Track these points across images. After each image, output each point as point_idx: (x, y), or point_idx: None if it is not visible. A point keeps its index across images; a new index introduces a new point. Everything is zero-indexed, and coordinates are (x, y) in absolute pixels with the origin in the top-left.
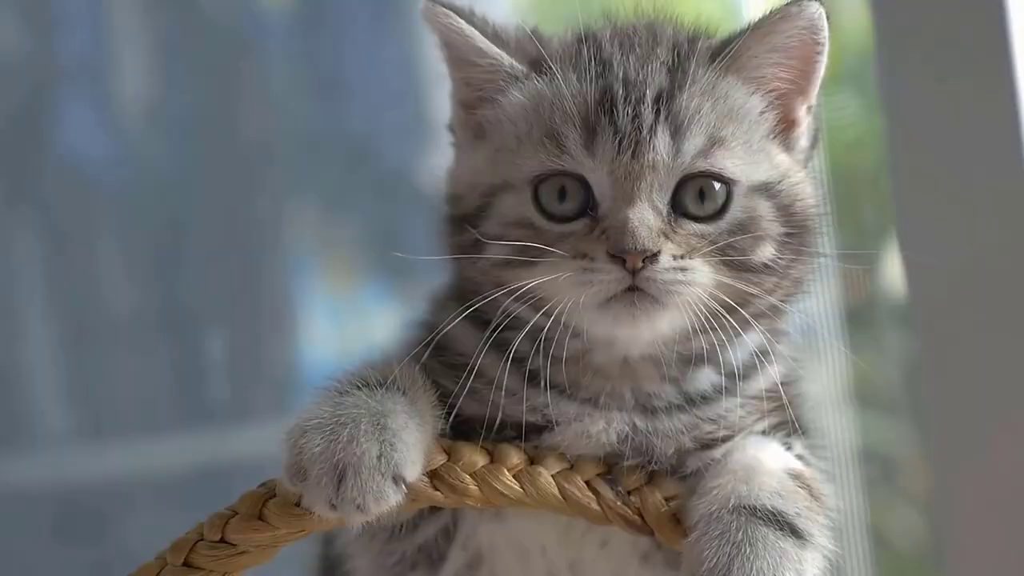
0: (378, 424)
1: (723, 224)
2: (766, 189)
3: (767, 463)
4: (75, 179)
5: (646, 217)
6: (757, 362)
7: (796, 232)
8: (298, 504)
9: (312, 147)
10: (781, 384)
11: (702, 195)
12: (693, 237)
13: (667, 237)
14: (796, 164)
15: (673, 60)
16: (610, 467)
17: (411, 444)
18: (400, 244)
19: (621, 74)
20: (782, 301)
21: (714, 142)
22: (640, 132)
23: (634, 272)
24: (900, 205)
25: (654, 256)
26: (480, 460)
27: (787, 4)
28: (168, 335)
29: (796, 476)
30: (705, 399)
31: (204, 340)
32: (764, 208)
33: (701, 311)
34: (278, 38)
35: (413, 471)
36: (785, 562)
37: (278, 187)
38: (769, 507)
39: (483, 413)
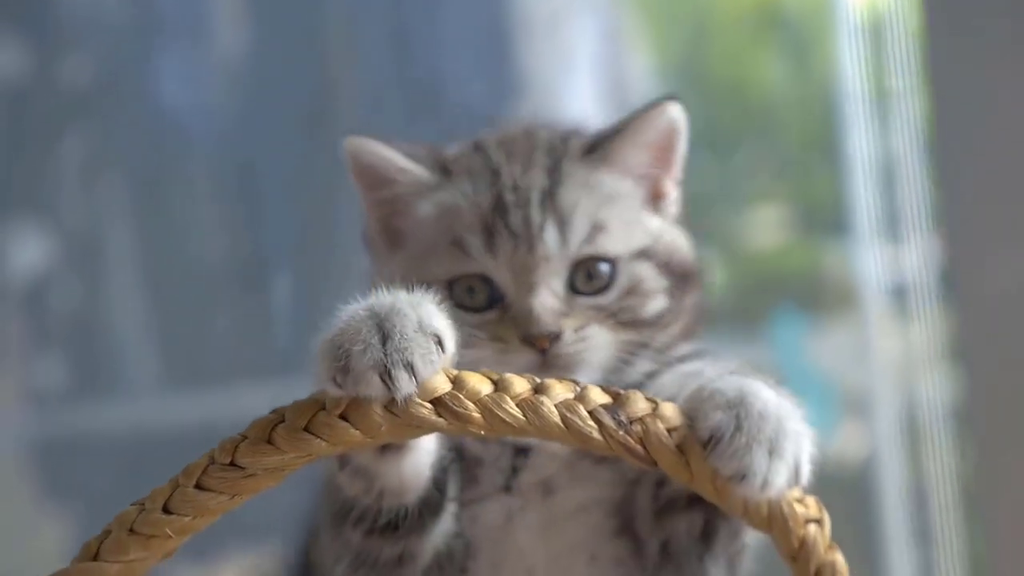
0: (413, 302)
1: (612, 294)
2: (644, 253)
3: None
4: (164, 129)
5: (547, 303)
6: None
7: (679, 278)
8: (343, 417)
9: (382, 95)
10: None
11: (590, 275)
12: (589, 310)
13: (567, 316)
14: (668, 224)
15: (551, 162)
16: (615, 396)
17: (445, 321)
18: None
19: (509, 182)
20: (686, 329)
21: (595, 228)
22: (531, 231)
23: (544, 351)
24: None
25: (558, 335)
26: (485, 388)
27: (649, 106)
28: (250, 284)
29: None
30: None
31: (280, 289)
32: (646, 270)
33: (608, 363)
34: None
35: (450, 342)
36: (783, 401)
37: (367, 128)
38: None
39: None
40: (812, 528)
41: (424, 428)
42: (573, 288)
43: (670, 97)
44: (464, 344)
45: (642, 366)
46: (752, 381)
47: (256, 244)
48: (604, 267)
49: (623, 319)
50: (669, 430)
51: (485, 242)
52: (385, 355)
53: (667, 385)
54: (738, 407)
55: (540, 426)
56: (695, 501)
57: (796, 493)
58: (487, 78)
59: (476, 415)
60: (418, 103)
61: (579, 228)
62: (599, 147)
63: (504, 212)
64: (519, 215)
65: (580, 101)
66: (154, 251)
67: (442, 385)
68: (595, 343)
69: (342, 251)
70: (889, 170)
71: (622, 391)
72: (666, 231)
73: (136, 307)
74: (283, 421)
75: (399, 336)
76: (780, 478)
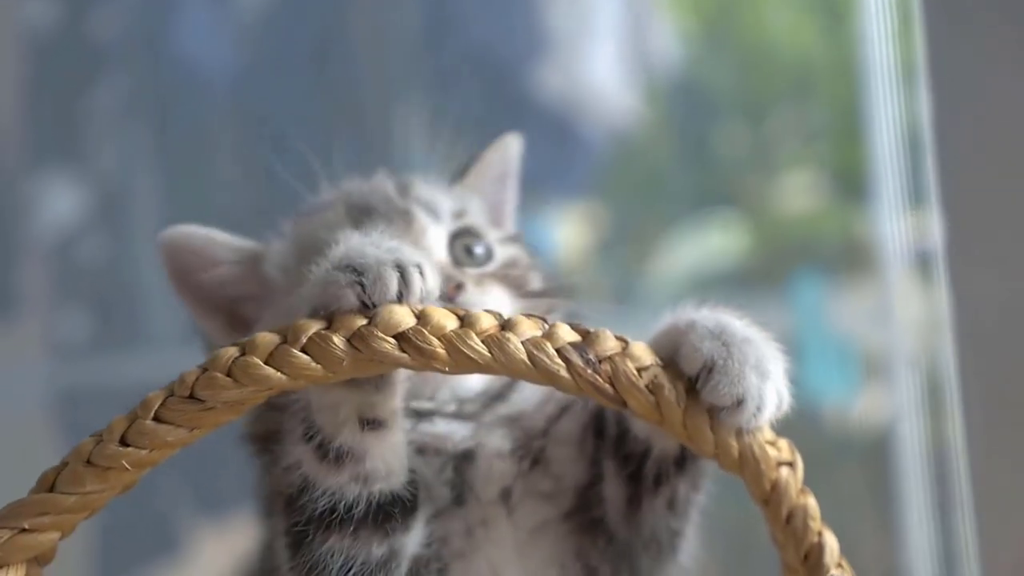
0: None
1: (495, 264)
2: (512, 239)
3: None
4: (189, 80)
5: (441, 260)
6: None
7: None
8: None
9: (422, 47)
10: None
11: (468, 250)
12: (480, 276)
13: (463, 274)
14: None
15: (398, 182)
16: (585, 334)
17: None
18: None
19: (359, 192)
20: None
21: (459, 212)
22: (401, 213)
23: (451, 299)
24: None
25: (461, 284)
26: (450, 324)
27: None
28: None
29: None
30: None
31: None
32: (519, 251)
33: None
34: None
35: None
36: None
37: (390, 86)
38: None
39: None
40: (784, 471)
41: (387, 363)
42: (456, 262)
43: None
44: None
45: None
46: (715, 311)
47: (278, 195)
48: (479, 245)
49: (515, 287)
50: (639, 369)
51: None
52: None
53: None
54: (722, 335)
55: (506, 363)
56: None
57: (769, 436)
58: (509, 37)
59: (440, 351)
60: (442, 64)
61: (444, 208)
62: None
63: (367, 211)
64: (383, 206)
65: (603, 64)
66: (179, 203)
67: (406, 319)
68: (496, 296)
69: None
70: (916, 137)
71: (592, 329)
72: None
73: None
74: (243, 354)
75: (399, 248)
76: (771, 401)
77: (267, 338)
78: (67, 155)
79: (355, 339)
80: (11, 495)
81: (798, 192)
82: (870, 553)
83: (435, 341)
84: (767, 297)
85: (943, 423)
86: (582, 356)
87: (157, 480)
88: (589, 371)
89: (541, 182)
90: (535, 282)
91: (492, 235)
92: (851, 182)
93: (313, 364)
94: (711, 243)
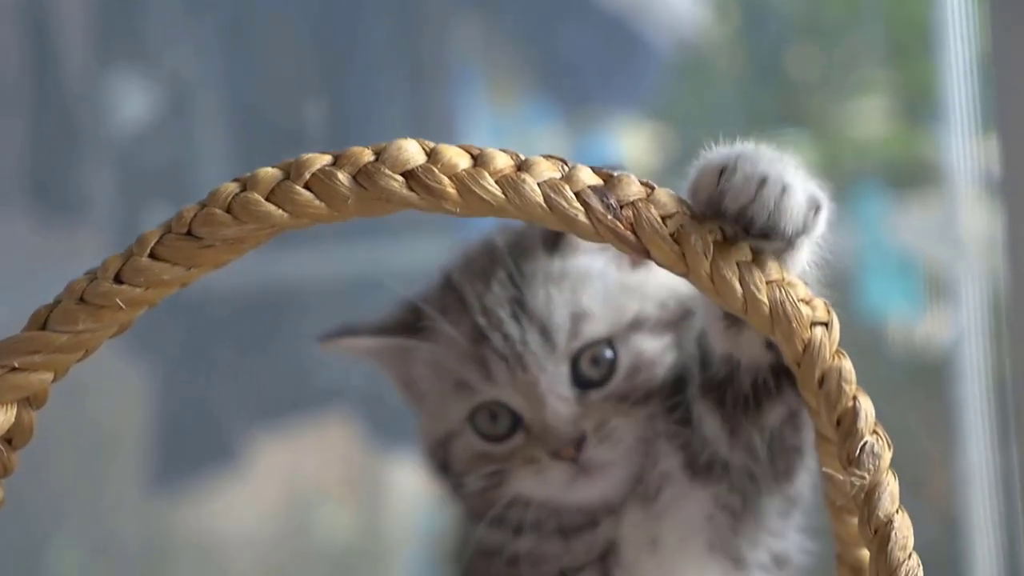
0: None
1: (619, 376)
2: (636, 323)
3: None
4: None
5: (560, 412)
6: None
7: (680, 319)
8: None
9: None
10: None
11: (595, 360)
12: (603, 403)
13: (584, 416)
14: (650, 266)
15: (511, 268)
16: (607, 178)
17: None
18: (565, 61)
19: (478, 306)
20: None
21: (577, 318)
22: (515, 348)
23: (575, 459)
24: None
25: (582, 440)
26: (463, 162)
27: None
28: (337, 147)
29: None
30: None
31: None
32: (643, 340)
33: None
34: None
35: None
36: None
37: (445, 3)
38: None
39: None
40: (819, 331)
41: (394, 203)
42: (581, 383)
43: None
44: (500, 473)
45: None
46: None
47: (348, 109)
48: (606, 351)
49: (637, 399)
50: (664, 217)
51: (482, 373)
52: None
53: None
54: (736, 150)
55: (520, 206)
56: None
57: (803, 293)
58: None
59: (451, 191)
60: None
61: (561, 325)
62: (558, 237)
63: (484, 339)
64: (498, 337)
65: None
66: (244, 104)
67: (416, 156)
68: (618, 435)
69: (436, 118)
70: (990, 60)
71: (615, 172)
72: (651, 278)
73: (226, 159)
74: (244, 190)
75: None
76: (799, 189)
77: (269, 173)
78: (135, 55)
79: (361, 176)
80: None
81: (868, 115)
82: (929, 470)
83: (446, 180)
84: (831, 215)
85: (1004, 346)
86: (603, 201)
87: (213, 388)
88: (610, 217)
89: (604, 92)
90: (661, 369)
91: (616, 328)
92: (922, 105)
93: (316, 202)
94: None
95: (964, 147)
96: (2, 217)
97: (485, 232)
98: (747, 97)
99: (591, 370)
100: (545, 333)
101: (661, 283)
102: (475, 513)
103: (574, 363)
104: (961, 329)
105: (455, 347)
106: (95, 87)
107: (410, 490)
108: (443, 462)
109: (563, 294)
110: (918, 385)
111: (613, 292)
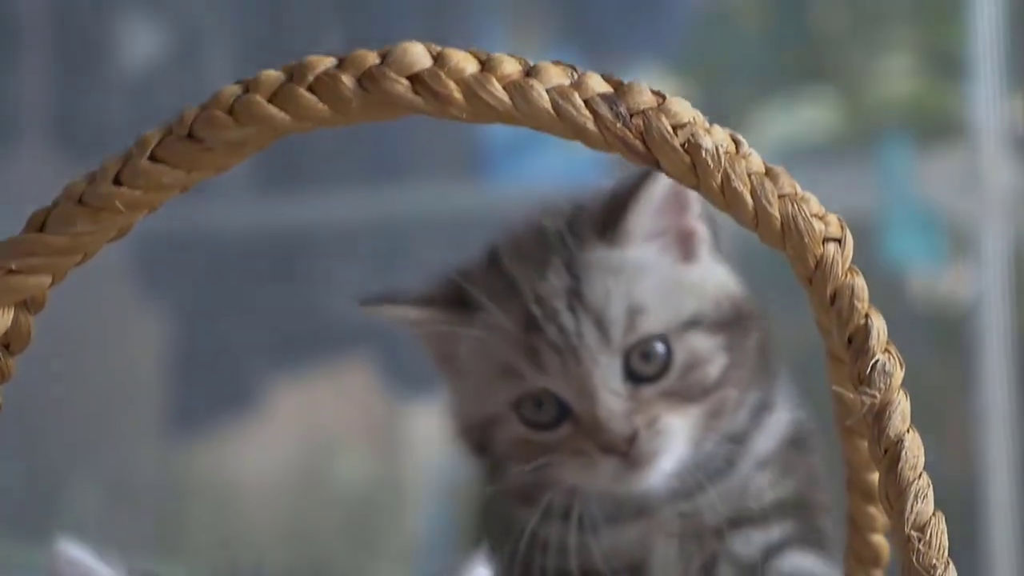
0: None
1: (673, 375)
2: (693, 321)
3: None
4: None
5: (612, 407)
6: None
7: (734, 322)
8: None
9: None
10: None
11: (646, 356)
12: (656, 398)
13: (635, 411)
14: (706, 264)
15: (566, 256)
16: (617, 86)
17: None
18: (589, 8)
19: (531, 295)
20: (755, 371)
21: (633, 312)
22: (570, 340)
23: (625, 453)
24: None
25: (634, 435)
26: (470, 67)
27: (644, 177)
28: None
29: None
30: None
31: None
32: (699, 339)
33: (688, 445)
34: None
35: None
36: None
37: None
38: None
39: None
40: (831, 247)
41: (399, 107)
42: (633, 378)
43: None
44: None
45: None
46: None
47: (356, 40)
48: (659, 346)
49: (689, 396)
50: (675, 127)
51: (532, 362)
52: None
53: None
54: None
55: (528, 112)
56: None
57: (816, 208)
58: None
59: (457, 95)
60: None
61: (617, 319)
62: (612, 225)
63: (537, 329)
64: (552, 328)
65: None
66: (255, 47)
67: (422, 60)
68: (670, 431)
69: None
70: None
71: (626, 81)
72: (708, 276)
73: None
74: (246, 92)
75: None
76: None
77: (272, 75)
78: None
79: (366, 79)
80: None
81: (895, 70)
82: (950, 423)
83: (452, 85)
84: (855, 167)
85: None
86: (612, 109)
87: (230, 332)
88: (619, 125)
89: (628, 42)
90: (715, 369)
91: (672, 323)
92: (949, 61)
93: (320, 105)
94: (802, 117)
95: (990, 103)
96: (21, 152)
97: (529, 212)
98: (773, 50)
99: (643, 365)
100: (600, 326)
101: (718, 282)
102: (515, 497)
103: (627, 357)
104: (983, 283)
105: (504, 333)
106: (110, 24)
107: (428, 436)
108: (480, 444)
109: (620, 287)
110: (939, 338)
111: (669, 287)
